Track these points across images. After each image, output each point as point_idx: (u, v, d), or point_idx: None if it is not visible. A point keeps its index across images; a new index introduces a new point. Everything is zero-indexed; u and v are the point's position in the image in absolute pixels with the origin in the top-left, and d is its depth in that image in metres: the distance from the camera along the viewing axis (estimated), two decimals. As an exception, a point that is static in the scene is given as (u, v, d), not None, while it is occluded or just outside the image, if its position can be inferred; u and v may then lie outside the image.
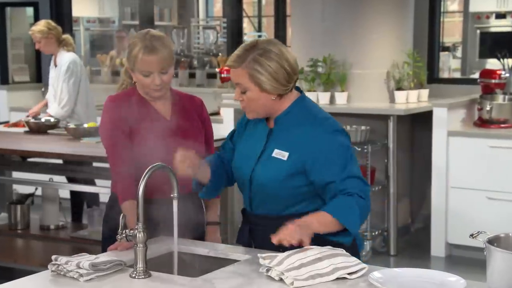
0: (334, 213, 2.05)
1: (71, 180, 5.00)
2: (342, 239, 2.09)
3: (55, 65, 5.09)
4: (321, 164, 2.11)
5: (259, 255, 2.03)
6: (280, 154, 2.15)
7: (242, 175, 2.25)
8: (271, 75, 2.10)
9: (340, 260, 1.96)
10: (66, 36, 5.13)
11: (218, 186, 2.35)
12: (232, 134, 2.38)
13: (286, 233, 1.98)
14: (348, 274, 1.95)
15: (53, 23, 5.06)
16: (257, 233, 2.28)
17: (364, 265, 1.98)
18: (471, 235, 1.83)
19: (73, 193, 5.21)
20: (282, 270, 1.93)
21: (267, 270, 1.97)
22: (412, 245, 5.37)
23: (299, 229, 1.99)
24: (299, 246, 1.99)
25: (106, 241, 2.51)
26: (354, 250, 2.17)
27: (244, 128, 2.32)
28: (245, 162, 2.24)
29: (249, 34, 10.65)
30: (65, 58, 5.02)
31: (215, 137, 2.75)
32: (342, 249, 2.03)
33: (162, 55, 2.44)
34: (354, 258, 1.99)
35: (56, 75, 5.05)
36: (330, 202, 2.09)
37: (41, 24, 5.01)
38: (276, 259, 1.97)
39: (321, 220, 2.04)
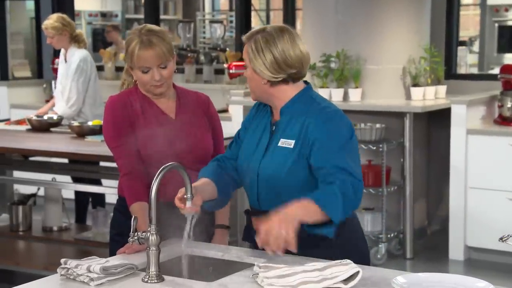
0: (316, 200, 2.07)
1: (77, 180, 4.99)
2: (325, 230, 2.11)
3: (65, 61, 5.07)
4: (317, 148, 2.15)
5: (256, 263, 2.03)
6: (286, 143, 2.21)
7: (248, 171, 2.28)
8: (262, 61, 2.19)
9: (330, 271, 1.94)
10: (79, 31, 5.10)
11: (226, 197, 2.36)
12: (238, 133, 2.41)
13: (271, 239, 2.00)
14: (342, 282, 1.90)
15: (67, 19, 5.01)
16: None
17: (357, 268, 1.94)
18: (501, 238, 1.81)
19: (78, 193, 5.21)
20: (266, 276, 1.93)
21: (255, 276, 1.97)
22: (429, 248, 5.35)
23: (283, 224, 2.01)
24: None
25: (114, 244, 2.51)
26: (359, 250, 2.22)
27: (250, 124, 2.36)
28: (251, 157, 2.27)
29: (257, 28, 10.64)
30: (75, 55, 4.99)
31: (224, 135, 2.74)
32: (345, 260, 2.02)
33: (159, 49, 2.45)
34: (349, 266, 1.95)
35: (65, 72, 5.03)
36: (313, 192, 2.11)
37: (54, 19, 4.97)
38: (271, 271, 1.96)
39: (305, 208, 2.06)
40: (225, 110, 5.84)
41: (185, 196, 2.10)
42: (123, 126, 2.51)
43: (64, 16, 5.06)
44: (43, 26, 5.04)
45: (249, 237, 2.34)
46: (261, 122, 2.31)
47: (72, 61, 4.98)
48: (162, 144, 2.50)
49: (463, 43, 6.67)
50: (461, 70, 6.06)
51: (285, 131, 2.23)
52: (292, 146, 2.19)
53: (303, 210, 2.06)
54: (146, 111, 2.54)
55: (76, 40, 5.01)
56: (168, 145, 2.50)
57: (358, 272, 1.93)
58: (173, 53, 2.52)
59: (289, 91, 2.24)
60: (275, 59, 2.18)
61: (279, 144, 2.22)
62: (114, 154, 2.55)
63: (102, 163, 4.44)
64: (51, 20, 4.96)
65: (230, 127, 5.28)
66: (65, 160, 4.80)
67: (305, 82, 2.30)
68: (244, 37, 2.25)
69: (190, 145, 2.53)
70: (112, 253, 2.40)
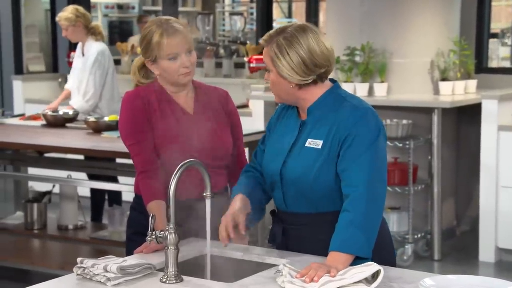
0: (343, 249, 2.06)
1: (93, 177, 5.02)
2: (362, 261, 2.08)
3: (83, 54, 5.10)
4: (347, 146, 2.13)
5: (284, 261, 2.03)
6: (314, 143, 2.18)
7: (271, 172, 2.26)
8: (288, 64, 2.15)
9: (349, 274, 1.95)
10: (96, 24, 5.14)
11: (260, 212, 2.35)
12: (263, 139, 2.39)
13: (311, 271, 1.98)
14: (365, 283, 1.92)
15: (81, 10, 5.06)
16: (291, 233, 2.28)
17: (378, 267, 1.95)
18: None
19: (94, 191, 5.24)
20: (291, 273, 1.94)
21: (278, 274, 1.99)
22: (458, 249, 5.32)
23: (324, 267, 2.00)
24: None
25: (131, 244, 2.52)
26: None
27: (274, 127, 2.34)
28: (275, 158, 2.25)
29: (278, 20, 10.64)
30: (93, 48, 5.02)
31: (244, 131, 2.74)
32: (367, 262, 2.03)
33: (185, 34, 2.50)
34: (371, 267, 1.96)
35: (83, 66, 5.06)
36: (334, 234, 2.09)
37: (68, 11, 5.02)
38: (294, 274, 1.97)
39: (339, 261, 2.05)
40: (246, 105, 5.84)
41: (204, 194, 2.11)
42: (140, 122, 2.52)
43: (79, 7, 5.10)
44: (56, 18, 5.10)
45: (274, 239, 2.32)
46: (288, 122, 2.29)
47: (89, 54, 5.02)
48: (180, 140, 2.51)
49: (494, 35, 6.60)
50: (493, 63, 6.01)
51: (312, 131, 2.20)
52: (320, 147, 2.16)
53: (339, 263, 2.03)
54: (164, 106, 2.55)
55: (92, 32, 5.04)
56: (186, 142, 2.51)
57: (379, 271, 1.94)
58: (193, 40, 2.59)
59: (317, 91, 2.21)
60: (303, 61, 2.13)
61: (306, 144, 2.19)
62: (130, 151, 2.56)
63: (118, 160, 4.47)
64: (65, 12, 5.02)
65: (251, 122, 5.29)
66: (81, 157, 4.84)
67: (331, 80, 2.27)
68: (262, 40, 2.21)
69: (208, 142, 2.54)
70: (129, 253, 2.42)
